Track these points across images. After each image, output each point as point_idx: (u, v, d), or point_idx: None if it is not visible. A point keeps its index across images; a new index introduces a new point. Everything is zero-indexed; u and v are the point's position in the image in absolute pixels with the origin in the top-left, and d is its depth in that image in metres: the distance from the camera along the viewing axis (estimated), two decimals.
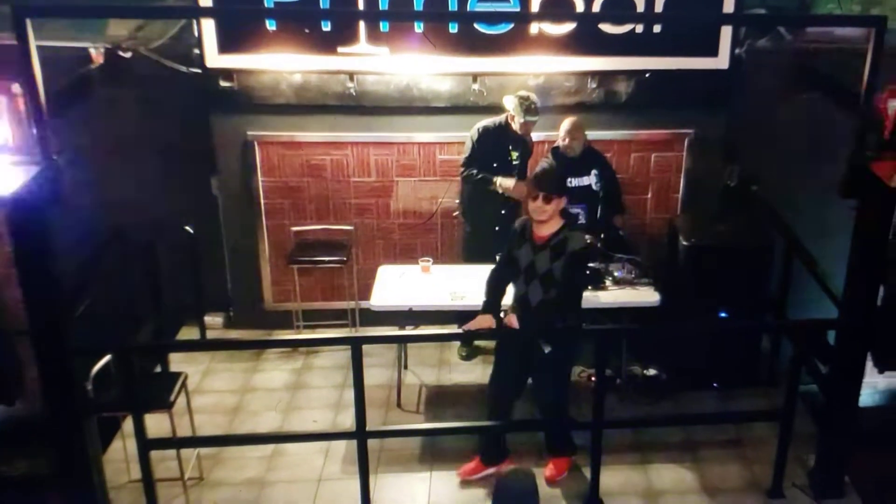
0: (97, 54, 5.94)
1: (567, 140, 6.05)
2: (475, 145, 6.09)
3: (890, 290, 4.89)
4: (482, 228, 6.29)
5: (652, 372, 6.34)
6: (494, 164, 6.09)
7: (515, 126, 6.00)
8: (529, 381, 5.22)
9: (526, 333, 4.90)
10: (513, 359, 5.10)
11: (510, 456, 5.36)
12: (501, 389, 5.18)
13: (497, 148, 6.09)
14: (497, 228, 6.14)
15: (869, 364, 5.08)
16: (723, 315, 6.03)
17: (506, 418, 5.20)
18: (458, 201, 6.53)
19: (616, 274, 5.96)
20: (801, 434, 5.31)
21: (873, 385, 6.17)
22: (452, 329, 6.38)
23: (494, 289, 5.02)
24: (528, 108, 5.90)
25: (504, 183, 6.03)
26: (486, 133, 6.09)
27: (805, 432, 5.43)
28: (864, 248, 4.74)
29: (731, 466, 5.49)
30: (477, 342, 6.57)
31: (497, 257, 5.16)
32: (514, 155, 6.10)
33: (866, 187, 4.57)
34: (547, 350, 4.84)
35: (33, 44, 3.98)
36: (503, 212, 6.18)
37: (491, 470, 5.23)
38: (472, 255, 6.32)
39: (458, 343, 6.71)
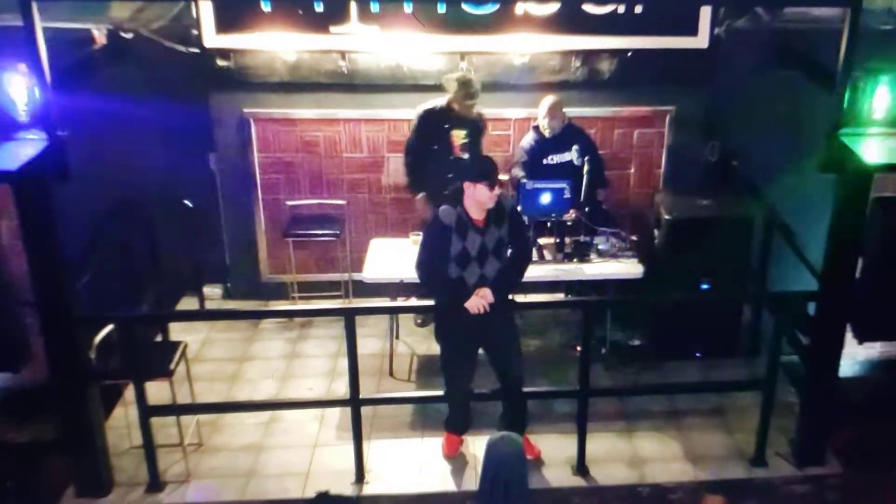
0: (100, 35, 6.03)
1: (547, 120, 6.15)
2: (416, 129, 6.21)
3: (868, 263, 5.03)
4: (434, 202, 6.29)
5: (636, 342, 6.45)
6: (434, 146, 6.19)
7: (456, 107, 6.07)
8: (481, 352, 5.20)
9: (498, 306, 4.88)
10: (469, 338, 5.05)
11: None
12: (464, 366, 5.16)
13: (437, 129, 6.18)
14: None
15: (849, 335, 5.23)
16: (704, 286, 6.10)
17: (468, 391, 5.26)
18: (407, 181, 6.54)
19: (600, 247, 6.07)
20: (782, 403, 5.42)
21: (853, 356, 6.05)
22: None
23: (449, 276, 4.90)
24: (466, 92, 5.98)
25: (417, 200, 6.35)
26: (427, 115, 6.19)
27: (787, 402, 5.51)
28: (843, 222, 4.83)
29: (714, 435, 5.59)
30: None
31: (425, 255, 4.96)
32: (462, 134, 6.19)
33: (844, 162, 4.67)
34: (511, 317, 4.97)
35: (39, 25, 4.12)
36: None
37: (463, 438, 5.41)
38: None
39: None
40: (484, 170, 4.78)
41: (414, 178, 6.38)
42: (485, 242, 4.82)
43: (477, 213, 4.80)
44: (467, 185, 4.76)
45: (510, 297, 5.05)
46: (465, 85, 5.97)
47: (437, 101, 6.19)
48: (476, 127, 6.29)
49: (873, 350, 6.07)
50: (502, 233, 4.86)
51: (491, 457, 3.84)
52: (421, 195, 6.36)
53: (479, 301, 4.78)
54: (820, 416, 5.24)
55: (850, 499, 5.27)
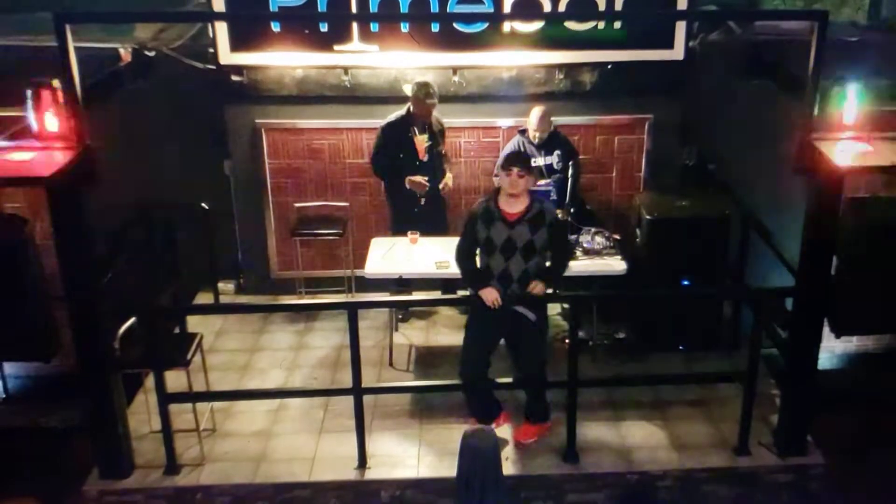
0: (125, 54, 6.30)
1: (539, 132, 6.40)
2: (381, 141, 6.47)
3: (842, 260, 5.13)
4: (404, 210, 6.67)
5: (621, 335, 6.58)
6: (401, 155, 6.45)
7: (414, 109, 6.35)
8: (502, 342, 5.33)
9: (513, 303, 5.06)
10: (488, 329, 5.20)
11: (504, 410, 5.55)
12: (478, 358, 5.27)
13: (401, 138, 6.43)
14: (416, 210, 6.58)
15: (826, 329, 5.28)
16: (685, 283, 6.23)
17: (484, 382, 5.35)
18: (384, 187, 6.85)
19: (586, 245, 6.20)
20: (764, 395, 5.52)
21: (831, 349, 6.19)
22: (437, 294, 6.71)
23: (472, 265, 5.13)
24: (426, 93, 6.25)
25: (413, 179, 6.46)
26: (389, 127, 6.45)
27: (768, 393, 5.64)
28: (817, 221, 4.95)
29: (698, 425, 5.68)
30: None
31: (459, 242, 5.21)
32: (424, 138, 6.47)
33: (817, 165, 4.79)
34: (533, 318, 5.07)
35: (71, 45, 4.37)
36: (418, 194, 6.55)
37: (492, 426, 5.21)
38: (397, 231, 6.60)
39: (444, 308, 7.06)
40: (506, 158, 5.04)
41: (387, 178, 6.63)
42: (512, 237, 4.92)
43: (509, 207, 4.93)
44: (495, 178, 4.99)
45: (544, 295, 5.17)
46: (423, 86, 6.23)
47: (397, 112, 6.45)
48: (436, 131, 6.53)
49: (850, 344, 6.23)
50: (536, 237, 4.94)
51: (465, 451, 3.93)
52: (408, 177, 6.50)
53: (492, 294, 4.95)
54: (800, 407, 5.33)
55: (831, 488, 5.36)
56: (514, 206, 4.95)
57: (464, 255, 5.16)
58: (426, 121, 6.46)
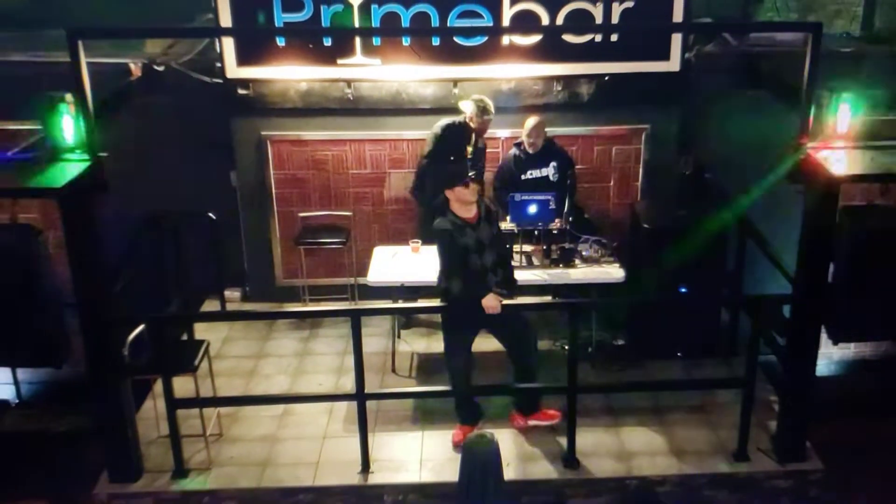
0: (136, 68, 6.48)
1: (532, 139, 6.47)
2: (437, 140, 6.57)
3: (839, 268, 5.15)
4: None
5: (620, 342, 6.62)
6: (451, 157, 6.49)
7: (473, 125, 6.47)
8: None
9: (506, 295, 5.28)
10: (475, 327, 5.37)
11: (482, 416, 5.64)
12: (467, 359, 5.46)
13: (455, 143, 6.54)
14: None
15: (823, 336, 5.30)
16: (682, 290, 6.31)
17: (469, 382, 5.54)
18: (413, 184, 6.89)
19: (584, 253, 6.27)
20: (762, 401, 5.55)
21: (829, 356, 6.38)
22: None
23: (468, 275, 5.23)
24: (484, 108, 6.38)
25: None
26: (448, 129, 6.57)
27: (766, 399, 5.66)
28: (813, 229, 5.00)
29: (697, 430, 5.71)
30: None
31: (446, 263, 5.31)
32: (470, 150, 6.57)
33: (813, 174, 4.85)
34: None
35: (83, 60, 4.49)
36: None
37: (476, 429, 5.44)
38: (427, 235, 6.34)
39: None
40: (454, 174, 5.25)
41: (420, 184, 6.72)
42: (480, 238, 5.22)
43: (466, 213, 5.22)
44: (448, 193, 5.19)
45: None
46: (482, 103, 6.39)
47: (455, 118, 6.57)
48: (480, 147, 6.65)
49: (848, 350, 6.36)
50: (494, 229, 5.34)
51: (467, 455, 3.97)
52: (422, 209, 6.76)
53: (495, 302, 5.11)
54: (799, 413, 5.35)
55: (830, 493, 5.39)
56: (470, 211, 5.25)
57: (457, 271, 5.25)
58: (479, 135, 6.59)
